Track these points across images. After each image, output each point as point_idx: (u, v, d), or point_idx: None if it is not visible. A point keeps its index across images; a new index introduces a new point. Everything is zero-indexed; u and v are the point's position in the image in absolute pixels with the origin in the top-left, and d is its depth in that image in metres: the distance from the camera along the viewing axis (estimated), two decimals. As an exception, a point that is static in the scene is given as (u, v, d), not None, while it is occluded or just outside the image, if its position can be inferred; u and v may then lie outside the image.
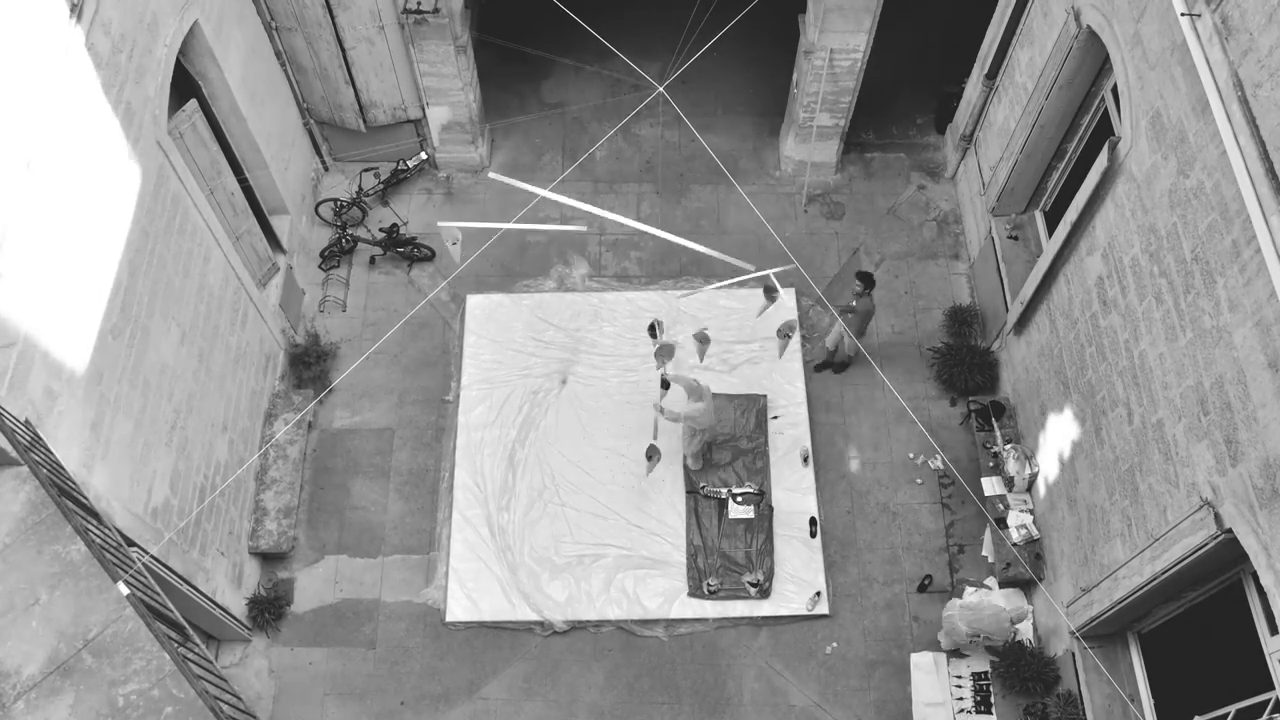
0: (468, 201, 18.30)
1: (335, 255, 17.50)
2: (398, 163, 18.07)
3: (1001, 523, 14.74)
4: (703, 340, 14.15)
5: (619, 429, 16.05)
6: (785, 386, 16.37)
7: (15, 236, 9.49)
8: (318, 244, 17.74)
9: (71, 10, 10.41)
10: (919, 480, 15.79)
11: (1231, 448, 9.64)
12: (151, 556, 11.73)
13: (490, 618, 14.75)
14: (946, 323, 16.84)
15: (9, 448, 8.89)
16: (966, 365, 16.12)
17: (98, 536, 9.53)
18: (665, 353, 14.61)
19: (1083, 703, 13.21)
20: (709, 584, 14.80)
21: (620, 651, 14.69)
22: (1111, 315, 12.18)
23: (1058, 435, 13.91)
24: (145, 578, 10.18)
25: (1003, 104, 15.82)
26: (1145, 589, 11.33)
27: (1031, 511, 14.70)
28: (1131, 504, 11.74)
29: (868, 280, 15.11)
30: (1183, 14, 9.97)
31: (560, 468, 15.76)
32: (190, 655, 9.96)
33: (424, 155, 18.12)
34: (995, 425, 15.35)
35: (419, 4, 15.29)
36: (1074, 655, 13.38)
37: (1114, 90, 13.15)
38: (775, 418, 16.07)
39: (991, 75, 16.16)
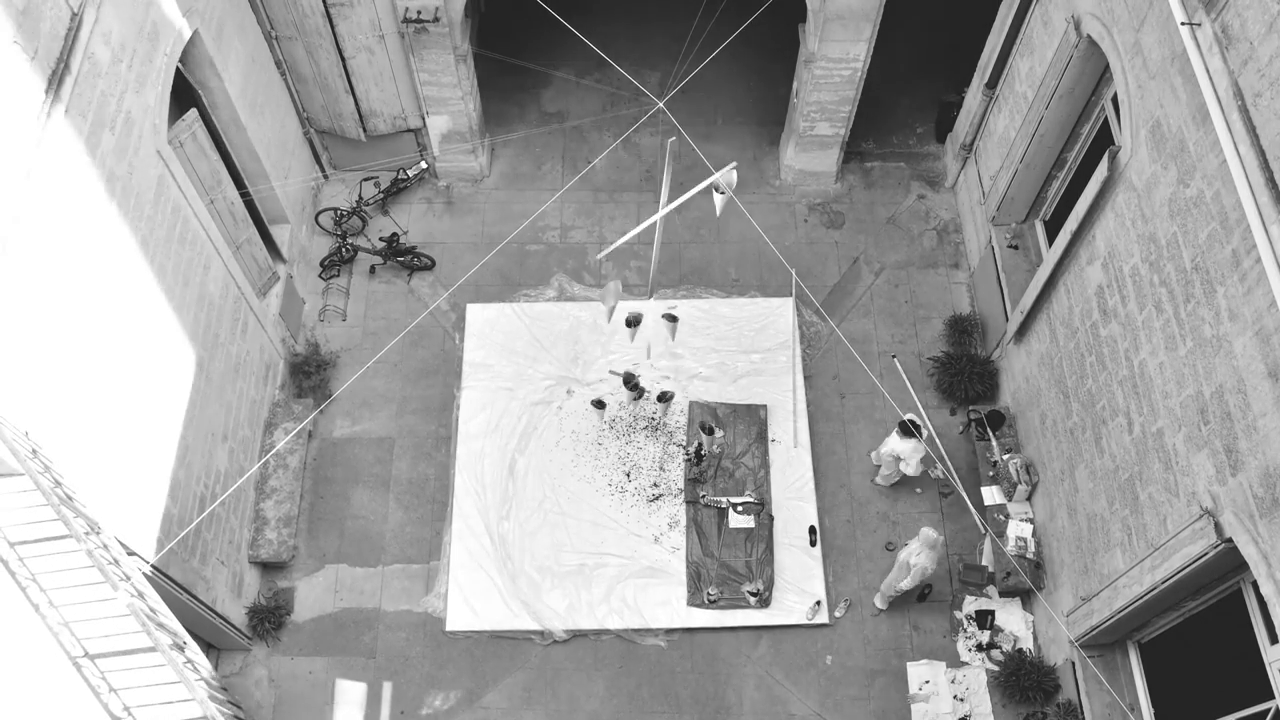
0: (468, 211, 18.30)
1: (335, 264, 17.49)
2: (398, 172, 18.07)
3: (1001, 534, 14.73)
4: (671, 319, 14.67)
5: (619, 436, 16.05)
6: (786, 397, 16.36)
7: (15, 245, 9.50)
8: (318, 253, 17.74)
9: (71, 19, 10.43)
10: (919, 489, 15.77)
11: (1231, 457, 9.64)
12: (152, 566, 11.74)
13: (490, 626, 14.73)
14: (946, 332, 16.84)
15: (10, 457, 8.88)
16: (966, 374, 16.11)
17: (98, 546, 9.53)
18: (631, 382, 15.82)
19: (1083, 712, 13.19)
20: (709, 593, 14.78)
21: (620, 661, 14.67)
22: (1111, 324, 12.18)
23: (1058, 444, 13.91)
24: (145, 587, 10.18)
25: (1003, 113, 15.83)
26: (1145, 598, 11.32)
27: (1031, 521, 14.69)
28: (1132, 513, 11.73)
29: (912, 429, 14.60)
30: (1183, 23, 9.99)
31: (560, 477, 15.74)
32: (190, 664, 9.96)
33: (424, 164, 18.12)
34: (992, 435, 15.33)
35: (419, 13, 15.31)
36: (1074, 664, 13.36)
37: (1114, 99, 13.17)
38: (774, 440, 16.05)
39: (991, 84, 16.19)
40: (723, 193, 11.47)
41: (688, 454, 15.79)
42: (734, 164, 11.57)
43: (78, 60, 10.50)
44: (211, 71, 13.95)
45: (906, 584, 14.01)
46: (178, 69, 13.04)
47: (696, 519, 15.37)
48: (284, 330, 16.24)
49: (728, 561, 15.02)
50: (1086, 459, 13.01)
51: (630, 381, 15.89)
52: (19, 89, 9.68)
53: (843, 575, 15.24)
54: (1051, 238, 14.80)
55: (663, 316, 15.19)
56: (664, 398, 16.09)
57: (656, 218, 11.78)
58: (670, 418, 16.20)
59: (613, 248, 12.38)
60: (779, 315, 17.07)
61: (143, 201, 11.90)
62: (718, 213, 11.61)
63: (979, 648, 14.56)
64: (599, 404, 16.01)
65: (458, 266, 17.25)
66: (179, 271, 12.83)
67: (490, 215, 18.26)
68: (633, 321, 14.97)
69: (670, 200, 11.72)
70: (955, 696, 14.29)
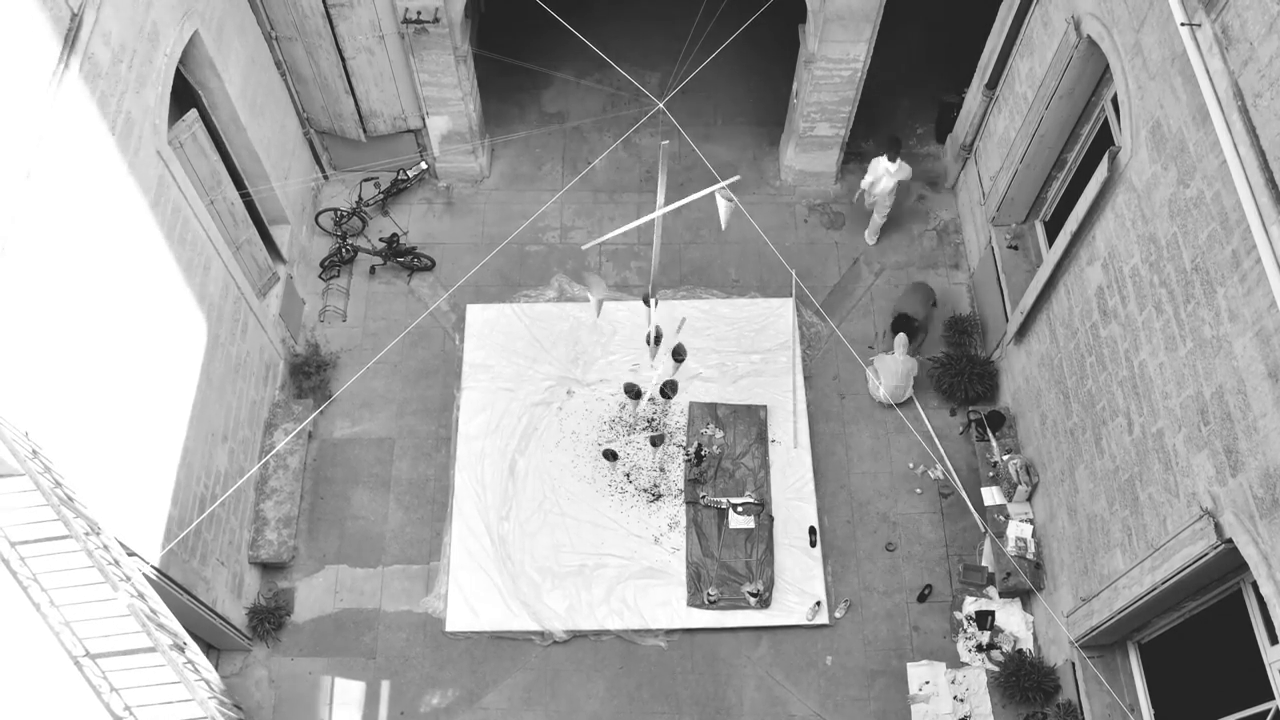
0: (468, 211, 18.30)
1: (335, 265, 17.48)
2: (398, 172, 18.07)
3: (1001, 534, 14.73)
4: (678, 357, 15.46)
5: (620, 437, 16.04)
6: (786, 397, 16.35)
7: (15, 246, 9.50)
8: (318, 254, 17.74)
9: (71, 19, 10.43)
10: (919, 490, 15.78)
11: (1231, 457, 9.64)
12: (152, 566, 11.74)
13: (490, 627, 14.73)
14: (946, 332, 16.83)
15: (10, 458, 8.88)
16: (966, 375, 16.11)
17: (98, 546, 9.52)
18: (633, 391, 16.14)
19: (1082, 712, 13.19)
20: (709, 594, 14.77)
21: (621, 661, 14.67)
22: (1111, 325, 12.19)
23: (1058, 445, 13.91)
24: (146, 588, 10.17)
25: (1003, 114, 15.84)
26: (1145, 599, 11.33)
27: (1031, 522, 14.69)
28: (1132, 514, 11.73)
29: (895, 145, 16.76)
30: (1183, 23, 9.99)
31: (561, 477, 15.74)
32: (191, 665, 9.95)
33: (424, 165, 18.12)
34: (992, 436, 15.32)
35: (419, 14, 15.31)
36: (1074, 665, 13.36)
37: (1114, 100, 13.17)
38: (774, 441, 16.05)
39: (991, 85, 16.19)
40: (730, 201, 11.47)
41: (688, 454, 15.79)
42: (737, 177, 11.76)
43: (78, 61, 10.50)
44: (211, 72, 13.95)
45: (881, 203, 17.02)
46: (178, 69, 13.04)
47: (696, 520, 15.37)
48: (284, 331, 16.24)
49: (728, 562, 15.02)
50: (1086, 459, 13.01)
51: (631, 390, 15.94)
52: (19, 89, 9.68)
53: (842, 576, 15.24)
54: (1051, 238, 14.80)
55: (671, 354, 15.72)
56: (656, 441, 16.03)
57: (652, 217, 11.78)
58: (670, 418, 16.20)
59: (598, 242, 12.48)
60: (779, 316, 17.07)
61: (143, 202, 11.90)
62: (723, 224, 11.61)
63: (979, 648, 14.56)
64: (610, 455, 15.95)
65: (458, 267, 17.25)
66: (179, 272, 12.84)
67: (490, 216, 18.26)
68: (655, 339, 15.22)
69: (668, 202, 11.72)
70: (955, 697, 14.29)
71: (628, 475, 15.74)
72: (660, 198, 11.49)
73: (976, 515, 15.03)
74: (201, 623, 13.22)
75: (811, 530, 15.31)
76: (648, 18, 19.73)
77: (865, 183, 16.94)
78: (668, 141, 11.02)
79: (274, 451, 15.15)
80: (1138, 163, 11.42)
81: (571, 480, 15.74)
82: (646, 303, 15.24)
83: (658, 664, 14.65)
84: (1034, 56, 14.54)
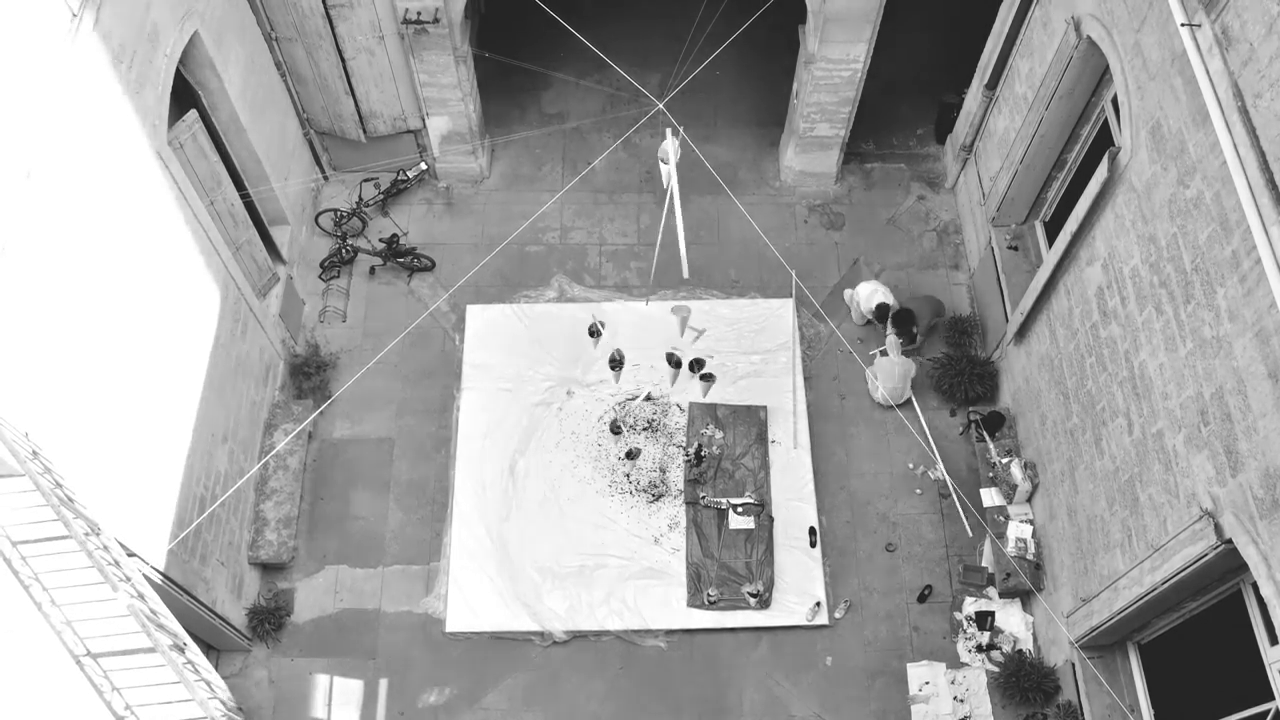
0: (468, 212, 18.30)
1: (335, 265, 17.47)
2: (398, 173, 18.06)
3: (1001, 535, 14.74)
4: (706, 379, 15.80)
5: (619, 438, 16.04)
6: (786, 398, 16.35)
7: (16, 246, 9.50)
8: (318, 254, 17.72)
9: (71, 20, 10.43)
10: (919, 490, 15.78)
11: (1231, 458, 9.64)
12: (152, 567, 11.74)
13: (491, 628, 14.72)
14: (946, 333, 16.83)
15: (11, 459, 8.88)
16: (966, 376, 16.10)
17: (98, 547, 9.53)
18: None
19: (1082, 713, 13.19)
20: (709, 594, 14.77)
21: (621, 662, 14.66)
22: (1111, 325, 12.19)
23: (1058, 445, 13.91)
24: (145, 588, 10.18)
25: (1003, 114, 15.84)
26: (1145, 599, 11.33)
27: (1031, 523, 14.69)
28: (1131, 514, 11.74)
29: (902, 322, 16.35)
30: (1183, 24, 9.98)
31: (561, 478, 15.74)
32: (190, 665, 9.97)
33: (424, 165, 18.11)
34: (989, 439, 15.31)
35: (419, 15, 15.30)
36: (1074, 665, 13.36)
37: (1114, 100, 13.17)
38: (774, 441, 16.05)
39: (991, 85, 16.18)
40: (667, 162, 11.58)
41: (688, 455, 15.79)
42: (680, 129, 11.92)
43: (77, 61, 10.49)
44: (211, 72, 13.95)
45: None
46: (177, 69, 13.03)
47: (696, 520, 15.37)
48: (284, 331, 16.24)
49: (728, 563, 15.02)
50: (1086, 460, 13.01)
51: (673, 359, 16.18)
52: (19, 87, 9.68)
53: (842, 576, 15.23)
54: (1051, 239, 14.79)
55: (700, 377, 16.06)
56: (706, 377, 16.19)
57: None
58: (670, 418, 16.21)
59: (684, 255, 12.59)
60: (779, 316, 17.07)
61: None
62: (664, 184, 11.74)
63: (979, 649, 14.56)
64: (615, 429, 16.05)
65: (458, 267, 17.24)
66: (178, 272, 12.83)
67: (490, 216, 18.25)
68: (594, 332, 15.30)
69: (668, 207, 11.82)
70: (955, 698, 14.29)
71: (628, 475, 15.74)
72: (674, 189, 11.51)
73: (967, 521, 15.04)
74: (201, 623, 13.22)
75: (811, 531, 15.32)
76: (648, 18, 19.73)
77: (862, 305, 16.81)
78: (680, 129, 11.06)
79: (274, 452, 15.15)
80: (1138, 163, 11.42)
81: (571, 481, 15.74)
82: (593, 334, 15.49)
83: (658, 665, 14.65)
84: (1034, 57, 14.54)
